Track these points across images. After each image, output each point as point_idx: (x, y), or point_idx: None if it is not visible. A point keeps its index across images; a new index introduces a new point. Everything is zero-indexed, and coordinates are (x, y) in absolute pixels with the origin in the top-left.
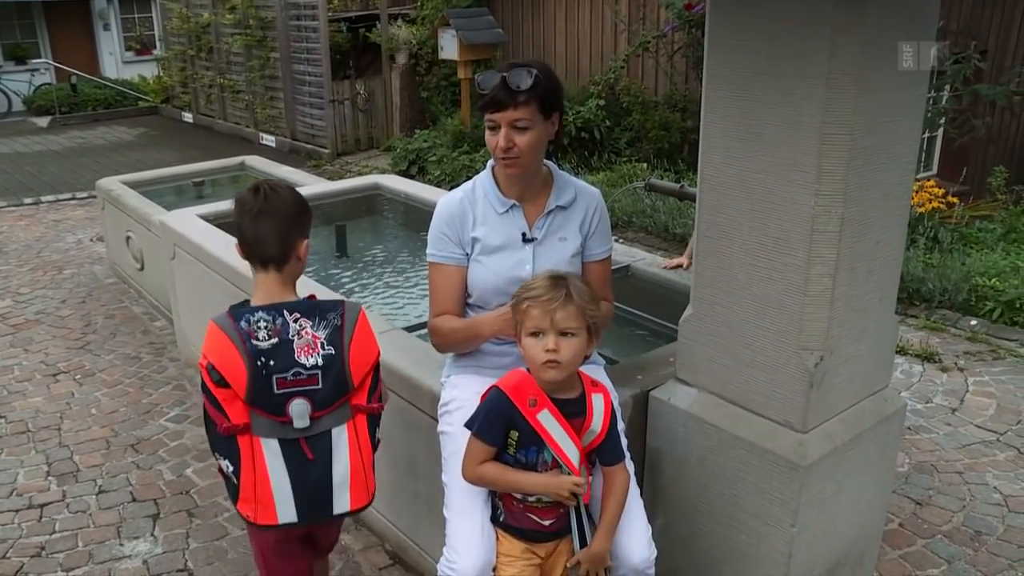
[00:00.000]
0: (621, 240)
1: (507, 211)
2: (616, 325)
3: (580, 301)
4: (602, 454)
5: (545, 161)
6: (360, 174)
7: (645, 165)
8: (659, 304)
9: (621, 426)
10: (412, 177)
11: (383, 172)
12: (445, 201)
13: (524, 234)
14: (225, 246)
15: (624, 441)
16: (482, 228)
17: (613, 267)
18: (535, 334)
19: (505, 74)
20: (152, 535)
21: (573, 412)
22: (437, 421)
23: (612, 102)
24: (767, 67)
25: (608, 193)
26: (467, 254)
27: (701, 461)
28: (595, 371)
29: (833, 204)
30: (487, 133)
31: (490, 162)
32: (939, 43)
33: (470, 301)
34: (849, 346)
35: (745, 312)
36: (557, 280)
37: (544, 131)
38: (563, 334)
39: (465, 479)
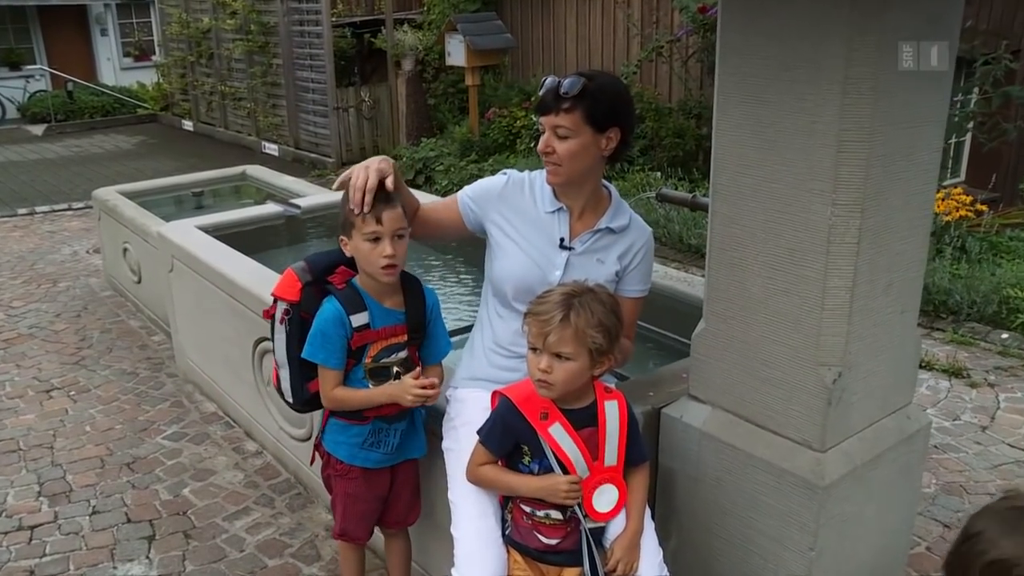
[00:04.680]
0: None
1: (554, 212)
2: None
3: (581, 324)
4: (625, 456)
5: (606, 183)
6: None
7: (659, 174)
8: (671, 318)
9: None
10: (419, 187)
11: None
12: (509, 173)
13: (563, 239)
14: (225, 258)
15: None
16: (523, 217)
17: None
18: (534, 349)
19: (561, 79)
20: (147, 557)
21: (584, 422)
22: (442, 437)
23: None
24: (780, 72)
25: None
26: (481, 225)
27: (716, 481)
28: None
29: (851, 214)
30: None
31: None
32: (967, 44)
33: (499, 290)
34: (869, 361)
35: (760, 327)
36: (567, 298)
37: (592, 143)
38: (556, 356)
39: (466, 478)
